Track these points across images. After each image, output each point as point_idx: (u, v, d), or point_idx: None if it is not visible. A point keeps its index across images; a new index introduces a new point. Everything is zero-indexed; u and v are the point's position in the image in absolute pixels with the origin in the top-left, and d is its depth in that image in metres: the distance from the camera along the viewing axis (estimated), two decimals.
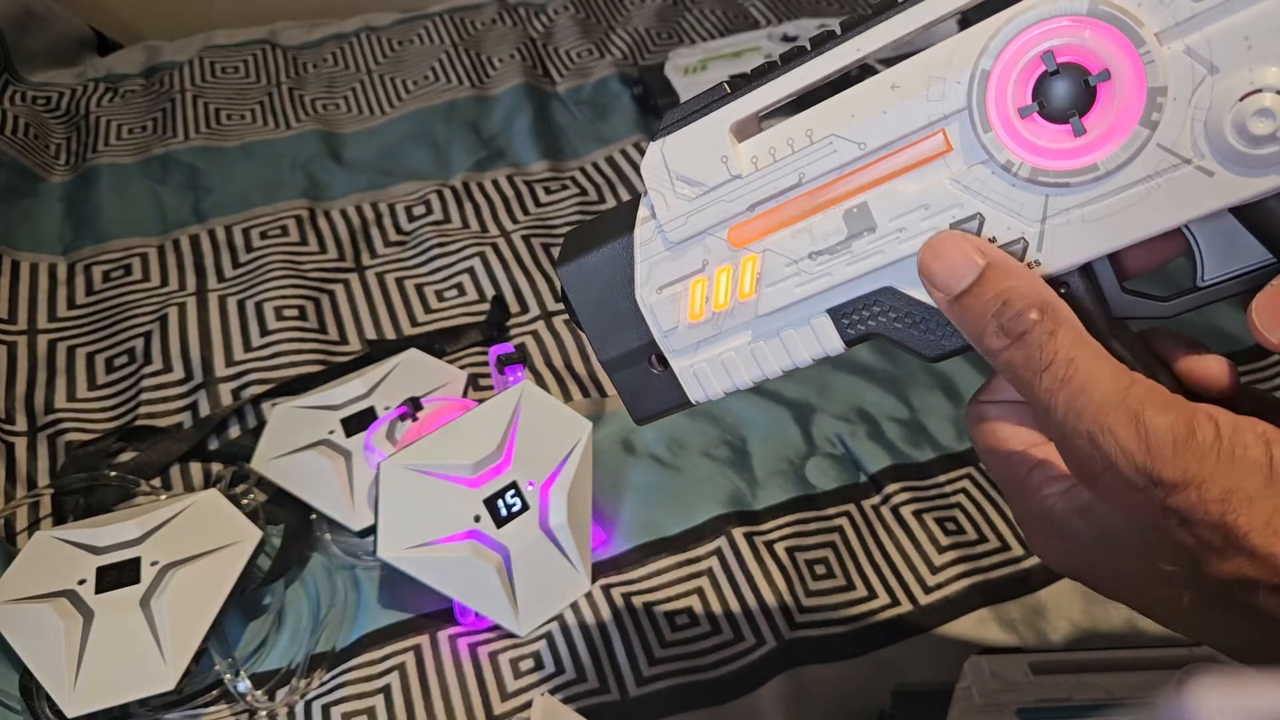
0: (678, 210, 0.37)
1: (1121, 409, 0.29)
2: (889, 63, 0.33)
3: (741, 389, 0.38)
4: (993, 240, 0.32)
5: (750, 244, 0.36)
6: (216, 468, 0.75)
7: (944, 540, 0.68)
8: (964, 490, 0.71)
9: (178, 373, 0.82)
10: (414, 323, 0.87)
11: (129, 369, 0.83)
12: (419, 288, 0.90)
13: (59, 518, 0.71)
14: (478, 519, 0.62)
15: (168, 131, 1.10)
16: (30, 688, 0.59)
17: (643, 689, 0.61)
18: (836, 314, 0.36)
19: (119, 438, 0.76)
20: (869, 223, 0.34)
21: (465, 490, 0.62)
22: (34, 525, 0.71)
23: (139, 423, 0.78)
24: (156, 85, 1.18)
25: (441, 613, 0.65)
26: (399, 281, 0.91)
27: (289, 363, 0.82)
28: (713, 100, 0.35)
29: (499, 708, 0.60)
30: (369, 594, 0.66)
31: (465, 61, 1.20)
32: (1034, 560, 0.66)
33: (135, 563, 0.61)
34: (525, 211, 0.98)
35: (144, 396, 0.80)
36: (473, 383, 0.79)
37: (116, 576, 0.61)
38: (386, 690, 0.61)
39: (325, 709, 0.60)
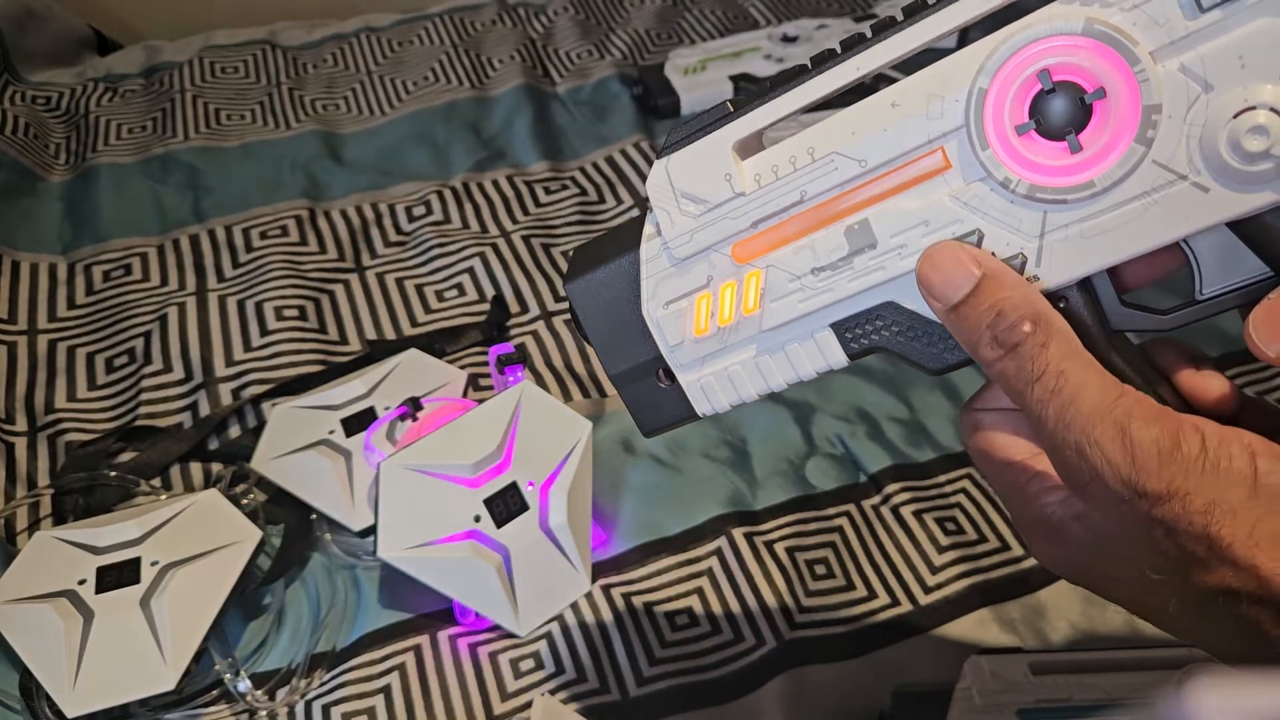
0: (683, 227, 0.37)
1: (1109, 421, 0.29)
2: (891, 79, 0.34)
3: (747, 401, 0.39)
4: (992, 256, 0.33)
5: (754, 260, 0.37)
6: (216, 468, 0.75)
7: (944, 540, 0.68)
8: (964, 490, 0.71)
9: (178, 373, 0.82)
10: (414, 323, 0.87)
11: (129, 369, 0.83)
12: (419, 288, 0.90)
13: (59, 518, 0.71)
14: (478, 519, 0.62)
15: (168, 131, 1.10)
16: (30, 688, 0.59)
17: (643, 689, 0.61)
18: (840, 328, 0.36)
19: (119, 438, 0.76)
20: (870, 239, 0.34)
21: (465, 490, 0.62)
22: (34, 525, 0.71)
23: (139, 423, 0.78)
24: (156, 85, 1.18)
25: (441, 613, 0.65)
26: (399, 281, 0.91)
27: (289, 363, 0.82)
28: (716, 119, 0.36)
29: (499, 708, 0.60)
30: (369, 594, 0.66)
31: (465, 62, 1.20)
32: (1034, 561, 0.66)
33: (135, 563, 0.61)
34: (525, 212, 0.98)
35: (144, 396, 0.80)
36: (473, 383, 0.79)
37: (116, 576, 0.61)
38: (386, 690, 0.61)
39: (325, 709, 0.60)
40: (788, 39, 1.14)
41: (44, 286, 0.91)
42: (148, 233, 0.96)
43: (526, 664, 0.62)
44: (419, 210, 0.98)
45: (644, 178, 1.01)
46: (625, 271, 0.39)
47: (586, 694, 0.61)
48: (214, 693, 0.61)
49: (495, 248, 0.93)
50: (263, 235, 0.95)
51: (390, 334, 0.86)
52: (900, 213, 0.34)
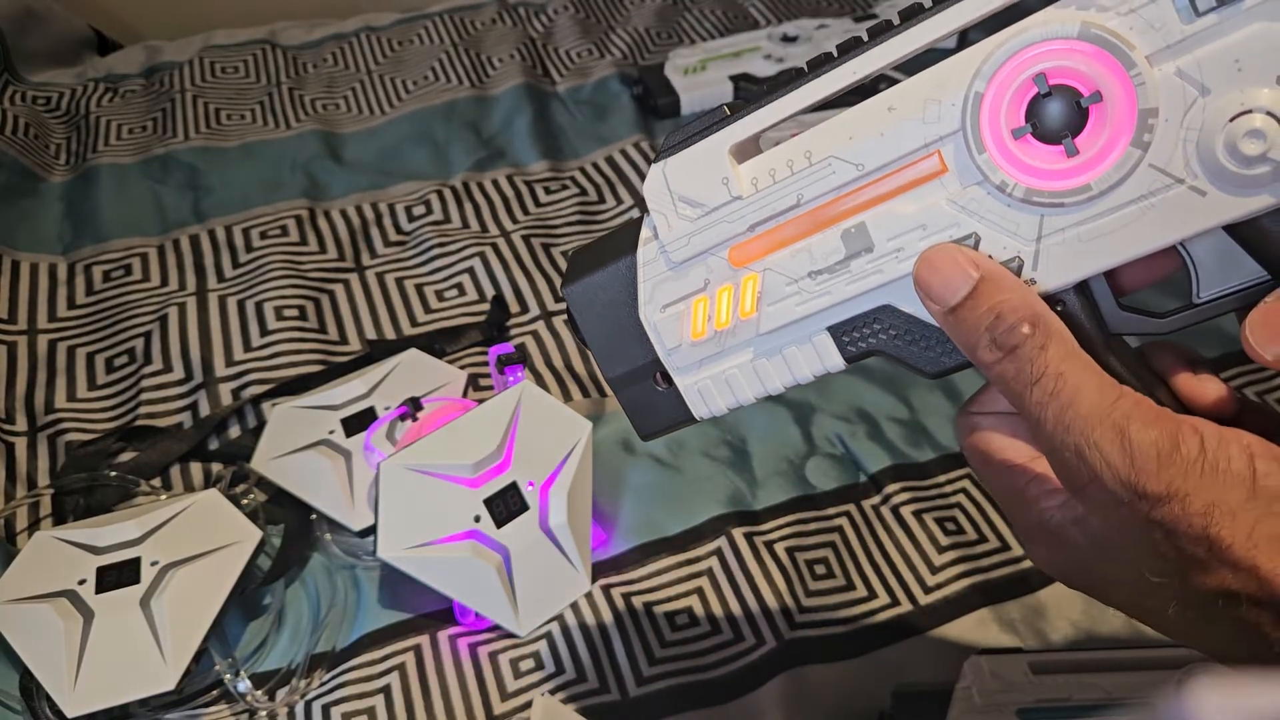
0: (680, 231, 0.37)
1: (1108, 423, 0.29)
2: (888, 83, 0.34)
3: (745, 405, 0.39)
4: (989, 258, 0.33)
5: (751, 264, 0.37)
6: (216, 468, 0.75)
7: (944, 540, 0.68)
8: (964, 490, 0.71)
9: (178, 373, 0.82)
10: (414, 323, 0.87)
11: (129, 369, 0.83)
12: (419, 288, 0.90)
13: (59, 518, 0.71)
14: (478, 519, 0.62)
15: (168, 131, 1.10)
16: (30, 688, 0.59)
17: (643, 689, 0.61)
18: (837, 331, 0.36)
19: (119, 438, 0.76)
20: (867, 243, 0.34)
21: (465, 490, 0.62)
22: (34, 525, 0.71)
23: (139, 423, 0.78)
24: (156, 85, 1.18)
25: (441, 613, 0.65)
26: (399, 281, 0.91)
27: (289, 363, 0.82)
28: (713, 123, 0.36)
29: (499, 708, 0.60)
30: (369, 594, 0.66)
31: (465, 61, 1.20)
32: (1032, 562, 0.66)
33: (135, 563, 0.61)
34: (525, 211, 0.98)
35: (144, 396, 0.80)
36: (473, 383, 0.79)
37: (116, 576, 0.61)
38: (386, 690, 0.61)
39: (325, 709, 0.60)
40: (788, 39, 1.14)
41: (44, 286, 0.91)
42: (148, 233, 0.96)
43: (526, 664, 0.62)
44: (419, 210, 0.98)
45: (644, 178, 1.01)
46: (622, 275, 0.39)
47: (586, 694, 0.61)
48: (214, 693, 0.61)
49: (495, 247, 0.93)
50: (263, 235, 0.95)
51: (390, 334, 0.86)
52: (897, 216, 0.34)
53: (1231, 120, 0.28)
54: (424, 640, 0.64)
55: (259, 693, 0.60)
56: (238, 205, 0.99)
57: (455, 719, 0.60)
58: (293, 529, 0.68)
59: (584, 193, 1.00)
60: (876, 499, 0.71)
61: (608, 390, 0.80)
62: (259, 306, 0.87)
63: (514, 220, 0.97)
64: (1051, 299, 0.32)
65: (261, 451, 0.72)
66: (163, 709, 0.60)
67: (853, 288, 0.35)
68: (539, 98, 1.13)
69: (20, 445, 0.76)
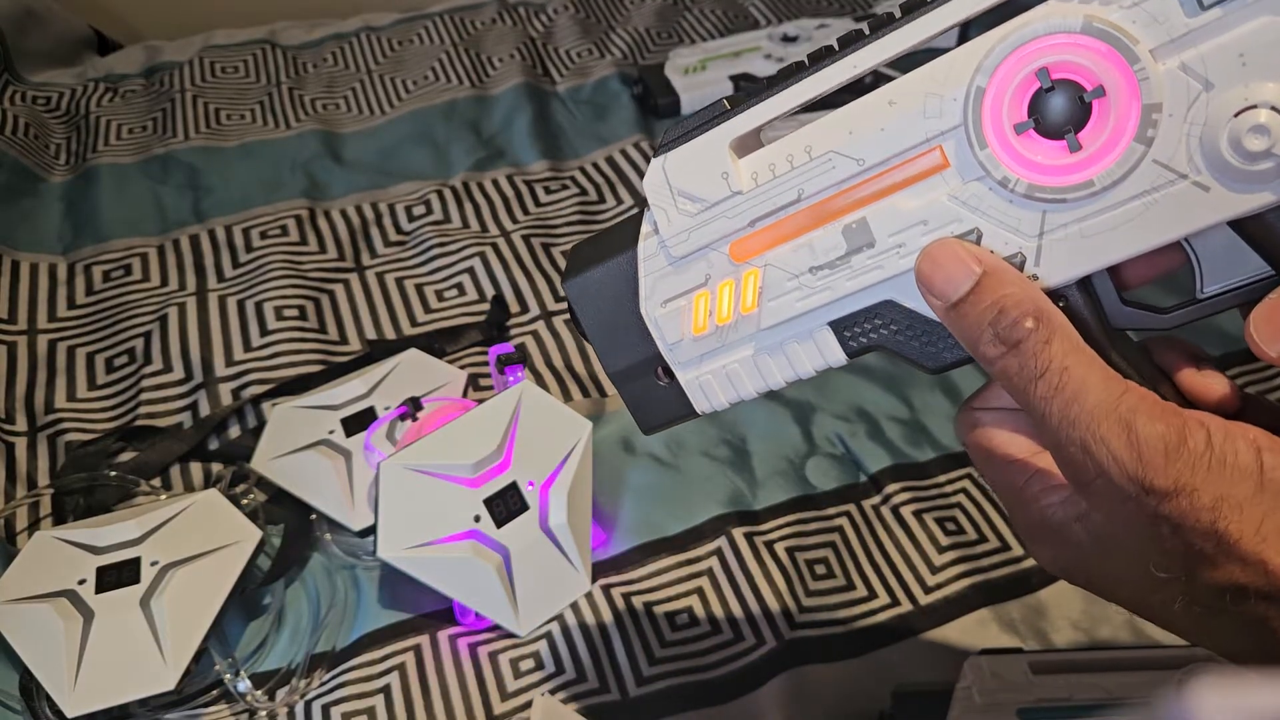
0: (680, 226, 0.37)
1: (1114, 417, 0.29)
2: (889, 77, 0.33)
3: (746, 399, 0.39)
4: (992, 253, 0.32)
5: (752, 259, 0.36)
6: (216, 468, 0.75)
7: (944, 540, 0.68)
8: (964, 490, 0.71)
9: (178, 373, 0.82)
10: (414, 323, 0.87)
11: (129, 369, 0.83)
12: (419, 288, 0.90)
13: (59, 518, 0.71)
14: (478, 519, 0.62)
15: (168, 131, 1.10)
16: (30, 688, 0.59)
17: (643, 689, 0.61)
18: (838, 327, 0.36)
19: (119, 438, 0.76)
20: (868, 238, 0.34)
21: (465, 490, 0.62)
22: (34, 525, 0.71)
23: (139, 423, 0.78)
24: (156, 85, 1.18)
25: (441, 613, 0.65)
26: (399, 281, 0.91)
27: (289, 363, 0.82)
28: (713, 117, 0.36)
29: (499, 708, 0.60)
30: (369, 594, 0.66)
31: (465, 61, 1.20)
32: (1034, 560, 0.66)
33: (135, 563, 0.61)
34: (525, 211, 0.98)
35: (144, 396, 0.80)
36: (473, 383, 0.79)
37: (116, 576, 0.61)
38: (386, 690, 0.61)
39: (325, 709, 0.60)
40: (788, 39, 1.14)
41: (44, 286, 0.91)
42: (148, 233, 0.96)
43: (526, 664, 0.62)
44: (419, 210, 0.98)
45: (644, 177, 1.01)
46: (623, 270, 0.39)
47: (586, 694, 0.60)
48: (214, 693, 0.61)
49: (495, 247, 0.93)
50: (263, 235, 0.95)
51: (390, 334, 0.86)
52: (898, 212, 0.33)
53: (1236, 115, 0.28)
54: (424, 640, 0.64)
55: (259, 693, 0.60)
56: (238, 205, 0.99)
57: (455, 719, 0.60)
58: (293, 529, 0.68)
59: (584, 193, 1.00)
60: (877, 499, 0.71)
61: (608, 390, 0.80)
62: (259, 306, 0.87)
63: (514, 220, 0.97)
64: (1054, 295, 0.32)
65: (261, 451, 0.72)
66: (163, 709, 0.60)
67: (854, 283, 0.35)
68: (539, 97, 1.13)
69: (20, 445, 0.76)
